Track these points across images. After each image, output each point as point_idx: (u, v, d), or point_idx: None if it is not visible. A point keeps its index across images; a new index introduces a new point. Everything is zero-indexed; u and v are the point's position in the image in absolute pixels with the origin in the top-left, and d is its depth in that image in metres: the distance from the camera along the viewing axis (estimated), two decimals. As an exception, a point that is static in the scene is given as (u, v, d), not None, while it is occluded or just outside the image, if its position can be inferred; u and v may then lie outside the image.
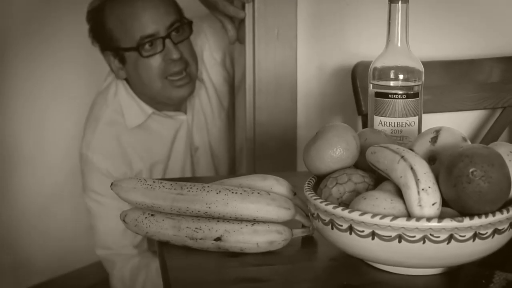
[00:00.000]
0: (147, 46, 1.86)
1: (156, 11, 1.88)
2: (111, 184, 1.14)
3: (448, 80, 1.76)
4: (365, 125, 1.67)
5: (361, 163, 1.11)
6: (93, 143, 1.97)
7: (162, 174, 2.03)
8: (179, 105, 2.02)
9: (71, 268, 2.91)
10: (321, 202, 1.01)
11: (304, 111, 1.76)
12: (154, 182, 1.13)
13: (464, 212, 0.96)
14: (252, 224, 1.09)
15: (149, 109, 1.97)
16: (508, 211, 0.96)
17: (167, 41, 1.86)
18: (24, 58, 2.66)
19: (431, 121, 1.65)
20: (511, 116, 1.80)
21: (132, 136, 1.99)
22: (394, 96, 1.23)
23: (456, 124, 1.82)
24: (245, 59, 1.75)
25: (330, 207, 0.99)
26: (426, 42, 1.76)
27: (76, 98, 2.74)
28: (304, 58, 1.75)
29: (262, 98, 1.75)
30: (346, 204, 1.03)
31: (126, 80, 1.98)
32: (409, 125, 1.24)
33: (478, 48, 1.82)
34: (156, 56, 1.87)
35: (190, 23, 1.93)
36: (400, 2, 1.23)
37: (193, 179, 1.54)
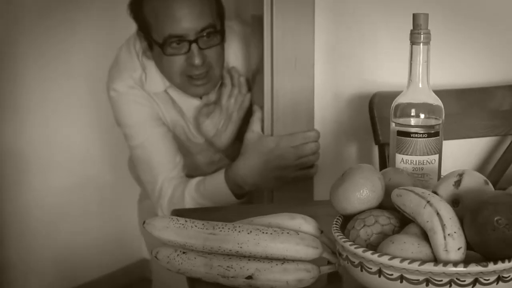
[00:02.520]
0: (174, 44, 1.84)
1: (190, 12, 1.83)
2: (144, 222, 1.19)
3: (462, 108, 1.80)
4: (382, 154, 1.71)
5: (386, 202, 1.15)
6: (120, 82, 1.96)
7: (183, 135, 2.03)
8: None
9: (80, 281, 2.97)
10: (350, 245, 1.05)
11: (321, 138, 1.79)
12: (186, 221, 1.17)
13: (488, 256, 1.01)
14: (282, 263, 1.13)
15: (167, 82, 1.96)
16: (530, 255, 1.01)
17: (193, 45, 1.83)
18: (37, 61, 2.70)
19: (445, 148, 1.70)
20: (522, 143, 1.85)
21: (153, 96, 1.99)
22: (416, 136, 1.27)
23: (469, 150, 1.88)
24: (264, 87, 1.79)
25: (359, 251, 1.03)
26: (440, 70, 1.80)
27: (85, 103, 2.80)
28: (321, 86, 1.79)
29: (279, 125, 1.79)
30: (373, 245, 1.08)
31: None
32: (430, 163, 1.29)
33: (491, 76, 1.87)
34: (179, 56, 1.85)
35: (222, 31, 1.90)
36: (422, 44, 1.27)
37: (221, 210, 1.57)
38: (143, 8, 1.88)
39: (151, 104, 1.96)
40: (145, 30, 1.89)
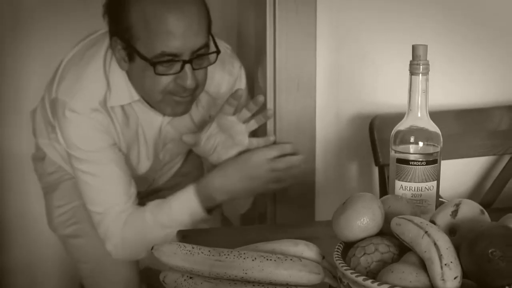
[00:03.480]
0: (164, 62, 1.62)
1: (188, 29, 1.61)
2: (152, 248, 1.23)
3: (461, 128, 1.85)
4: (382, 175, 1.75)
5: (385, 229, 1.19)
6: (81, 103, 1.71)
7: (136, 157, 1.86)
8: None
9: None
10: (352, 273, 1.09)
11: (322, 156, 1.84)
12: (193, 248, 1.21)
13: (483, 285, 1.05)
14: (286, 289, 1.18)
15: (136, 95, 1.75)
16: (523, 284, 1.05)
17: (187, 66, 1.63)
18: (40, 62, 2.71)
19: (444, 167, 1.74)
20: (519, 162, 1.89)
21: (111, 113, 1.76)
22: (415, 163, 1.32)
23: (468, 169, 1.93)
24: (267, 107, 1.84)
25: (360, 279, 1.08)
26: (439, 92, 1.85)
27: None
28: (322, 107, 1.83)
29: (282, 145, 1.83)
30: (373, 273, 1.12)
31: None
32: (428, 189, 1.33)
33: (488, 97, 1.91)
34: (168, 76, 1.64)
35: (218, 52, 1.69)
36: (421, 74, 1.31)
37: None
38: (130, 14, 1.63)
39: (110, 129, 1.74)
40: (126, 39, 1.64)
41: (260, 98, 1.67)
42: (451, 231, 1.14)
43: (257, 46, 1.97)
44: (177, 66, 1.63)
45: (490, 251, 1.03)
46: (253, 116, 1.70)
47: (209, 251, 1.20)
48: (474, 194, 1.91)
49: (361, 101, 1.84)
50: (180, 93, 1.67)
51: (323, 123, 1.84)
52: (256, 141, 1.71)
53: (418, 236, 1.09)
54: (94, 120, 1.71)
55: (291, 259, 1.19)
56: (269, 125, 1.85)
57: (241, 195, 1.75)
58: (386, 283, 1.06)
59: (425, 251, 1.07)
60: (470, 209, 1.15)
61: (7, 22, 2.64)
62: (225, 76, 1.83)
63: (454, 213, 1.15)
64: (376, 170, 1.81)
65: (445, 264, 1.05)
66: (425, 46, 1.31)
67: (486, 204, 1.84)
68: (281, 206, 1.86)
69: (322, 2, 1.80)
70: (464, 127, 1.85)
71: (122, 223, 1.73)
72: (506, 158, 1.91)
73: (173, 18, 1.60)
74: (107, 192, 1.75)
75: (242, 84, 1.86)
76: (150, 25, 1.60)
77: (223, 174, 1.69)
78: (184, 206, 1.72)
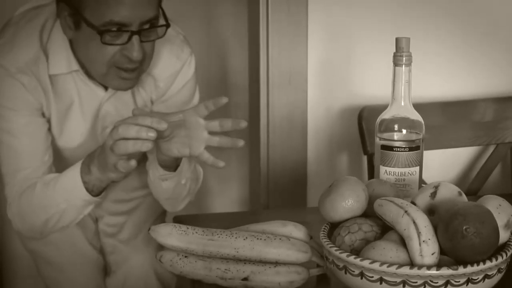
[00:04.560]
0: (111, 31, 1.53)
1: None
2: (149, 229, 1.30)
3: (446, 120, 1.92)
4: (370, 163, 1.83)
5: (369, 210, 1.26)
6: (10, 60, 1.63)
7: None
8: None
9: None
10: (336, 250, 1.16)
11: (314, 148, 1.91)
12: (187, 228, 1.28)
13: (458, 260, 1.12)
14: (275, 266, 1.24)
15: (75, 65, 1.65)
16: (496, 259, 1.12)
17: (135, 37, 1.54)
18: None
19: (431, 157, 1.82)
20: (503, 152, 1.96)
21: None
22: (398, 149, 1.39)
23: (453, 159, 2.00)
24: (260, 101, 1.91)
25: (344, 255, 1.15)
26: (426, 85, 1.92)
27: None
28: (314, 100, 1.91)
29: (275, 136, 1.90)
30: (357, 250, 1.19)
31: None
32: (411, 174, 1.40)
33: (473, 90, 1.99)
34: (114, 46, 1.55)
35: (167, 26, 1.59)
36: (404, 65, 1.38)
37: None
38: None
39: (36, 93, 1.64)
40: (74, 5, 1.55)
41: (223, 100, 1.48)
42: (430, 212, 1.21)
43: (250, 42, 2.04)
44: (125, 37, 1.54)
45: (464, 227, 1.10)
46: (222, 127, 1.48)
47: (203, 231, 1.28)
48: (459, 183, 1.98)
49: (350, 94, 1.92)
50: (126, 64, 1.58)
51: (314, 116, 1.91)
52: (207, 156, 1.49)
53: (399, 215, 1.16)
54: (19, 82, 1.62)
55: (280, 239, 1.26)
56: (262, 119, 1.92)
57: (108, 169, 1.51)
58: (368, 258, 1.13)
59: (405, 229, 1.14)
60: (448, 191, 1.22)
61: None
62: (172, 58, 1.71)
63: (433, 194, 1.22)
64: (365, 160, 1.88)
65: (423, 241, 1.12)
66: (408, 39, 1.38)
67: (472, 193, 1.91)
68: (274, 197, 1.92)
69: (313, 1, 1.87)
70: (449, 119, 1.92)
71: (21, 192, 1.63)
72: (491, 149, 1.98)
73: None
74: (20, 153, 1.64)
75: (190, 72, 1.74)
76: None
77: (102, 146, 1.51)
78: (69, 174, 1.59)
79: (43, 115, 1.66)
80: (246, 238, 1.26)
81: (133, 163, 1.44)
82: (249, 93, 2.10)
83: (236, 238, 1.26)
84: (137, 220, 1.94)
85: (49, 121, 1.68)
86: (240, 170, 2.30)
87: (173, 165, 1.57)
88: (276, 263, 1.25)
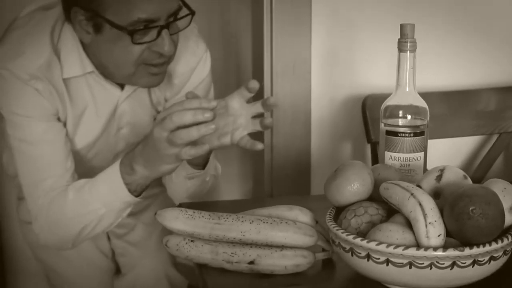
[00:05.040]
0: (140, 30, 1.46)
1: None
2: (155, 213, 1.30)
3: (450, 109, 1.93)
4: (374, 152, 1.83)
5: (375, 195, 1.27)
6: (18, 65, 1.54)
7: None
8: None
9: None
10: (342, 233, 1.17)
11: (317, 137, 1.92)
12: (194, 212, 1.29)
13: (464, 242, 1.13)
14: (281, 250, 1.25)
15: (90, 67, 1.58)
16: (502, 241, 1.13)
17: (165, 31, 1.47)
18: None
19: (434, 146, 1.82)
20: (506, 142, 1.97)
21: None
22: (403, 135, 1.40)
23: (457, 148, 2.00)
24: (263, 90, 1.91)
25: (350, 238, 1.15)
26: (429, 74, 1.93)
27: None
28: (317, 90, 1.91)
29: (279, 126, 1.91)
30: (363, 233, 1.20)
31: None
32: (415, 160, 1.41)
33: (476, 79, 1.99)
34: (143, 44, 1.48)
35: (192, 14, 1.52)
36: (408, 51, 1.39)
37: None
38: None
39: (51, 98, 1.56)
40: (92, 8, 1.46)
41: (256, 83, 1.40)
42: (436, 195, 1.22)
43: (254, 32, 2.04)
44: (153, 33, 1.47)
45: (470, 208, 1.10)
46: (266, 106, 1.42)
47: (209, 215, 1.28)
48: (462, 172, 1.98)
49: (354, 83, 1.92)
50: (155, 60, 1.51)
51: (317, 105, 1.92)
52: (246, 139, 1.41)
53: (405, 198, 1.17)
54: (33, 88, 1.54)
55: (286, 222, 1.27)
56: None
57: (158, 164, 1.43)
58: (374, 240, 1.14)
59: (411, 211, 1.15)
60: (454, 174, 1.23)
61: None
62: (187, 54, 1.64)
63: (439, 177, 1.23)
64: (368, 149, 1.88)
65: (429, 223, 1.13)
66: (412, 25, 1.39)
67: (475, 183, 1.91)
68: (277, 186, 1.93)
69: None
70: (452, 108, 1.93)
71: (48, 202, 1.53)
72: (493, 138, 1.99)
73: None
74: (41, 162, 1.55)
75: (206, 69, 1.69)
76: None
77: (144, 143, 1.44)
78: (106, 177, 1.50)
79: (58, 120, 1.59)
80: (253, 221, 1.26)
81: (206, 147, 1.35)
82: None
83: (242, 222, 1.26)
84: (148, 220, 1.87)
85: (64, 126, 1.61)
86: (243, 159, 2.30)
87: (203, 162, 1.53)
88: (282, 247, 1.26)
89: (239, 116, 1.40)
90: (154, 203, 1.87)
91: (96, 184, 1.50)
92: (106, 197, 1.49)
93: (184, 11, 1.51)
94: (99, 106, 1.63)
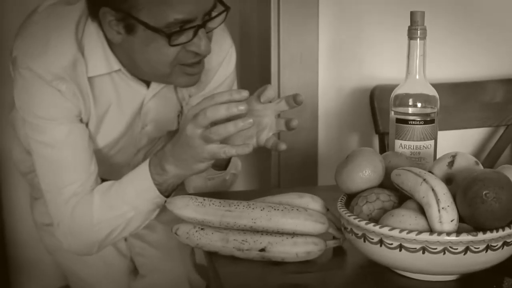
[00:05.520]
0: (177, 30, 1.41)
1: None
2: (165, 201, 1.30)
3: (457, 101, 1.92)
4: (382, 142, 1.83)
5: (386, 182, 1.27)
6: (42, 65, 1.47)
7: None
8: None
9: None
10: (354, 219, 1.16)
11: (325, 129, 1.91)
12: (204, 200, 1.28)
13: (478, 227, 1.12)
14: (292, 237, 1.24)
15: (116, 65, 1.53)
16: (515, 226, 1.12)
17: (201, 31, 1.43)
18: None
19: (441, 138, 1.81)
20: (513, 133, 1.97)
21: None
22: (413, 123, 1.39)
23: (464, 140, 2.00)
24: (271, 81, 1.91)
25: (363, 223, 1.15)
26: (436, 65, 1.92)
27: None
28: (324, 81, 1.91)
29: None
30: (375, 220, 1.19)
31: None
32: (426, 148, 1.40)
33: (483, 71, 1.99)
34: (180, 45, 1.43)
35: (227, 10, 1.48)
36: (418, 39, 1.38)
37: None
38: None
39: (75, 98, 1.51)
40: (124, 9, 1.41)
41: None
42: (448, 181, 1.21)
43: (260, 23, 2.04)
44: (189, 33, 1.42)
45: (484, 192, 1.10)
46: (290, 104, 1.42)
47: (220, 202, 1.28)
48: (470, 164, 1.98)
49: (361, 74, 1.92)
50: (191, 60, 1.47)
51: (325, 96, 1.91)
52: (273, 140, 1.42)
53: (417, 183, 1.16)
54: (55, 89, 1.48)
55: (297, 209, 1.26)
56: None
57: (190, 165, 1.40)
58: (387, 225, 1.13)
59: (423, 197, 1.14)
60: (466, 160, 1.23)
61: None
62: (213, 50, 1.54)
63: (451, 163, 1.22)
64: (376, 139, 1.88)
65: (442, 208, 1.12)
66: (423, 12, 1.39)
67: (483, 173, 1.92)
68: (284, 178, 1.92)
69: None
70: (459, 100, 1.92)
71: (71, 207, 1.48)
72: (501, 130, 1.98)
73: None
74: (64, 166, 1.49)
75: (230, 66, 1.66)
76: None
77: (174, 141, 1.40)
78: (135, 179, 1.46)
79: (81, 121, 1.54)
80: (263, 209, 1.25)
81: (250, 147, 1.31)
82: (259, 73, 2.10)
83: (253, 209, 1.26)
84: (167, 220, 1.72)
85: (86, 126, 1.56)
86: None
87: (224, 162, 1.51)
88: (293, 234, 1.25)
89: (264, 117, 1.38)
90: None
91: (122, 186, 1.46)
92: (135, 200, 1.45)
93: (219, 8, 1.47)
94: (124, 104, 1.58)
